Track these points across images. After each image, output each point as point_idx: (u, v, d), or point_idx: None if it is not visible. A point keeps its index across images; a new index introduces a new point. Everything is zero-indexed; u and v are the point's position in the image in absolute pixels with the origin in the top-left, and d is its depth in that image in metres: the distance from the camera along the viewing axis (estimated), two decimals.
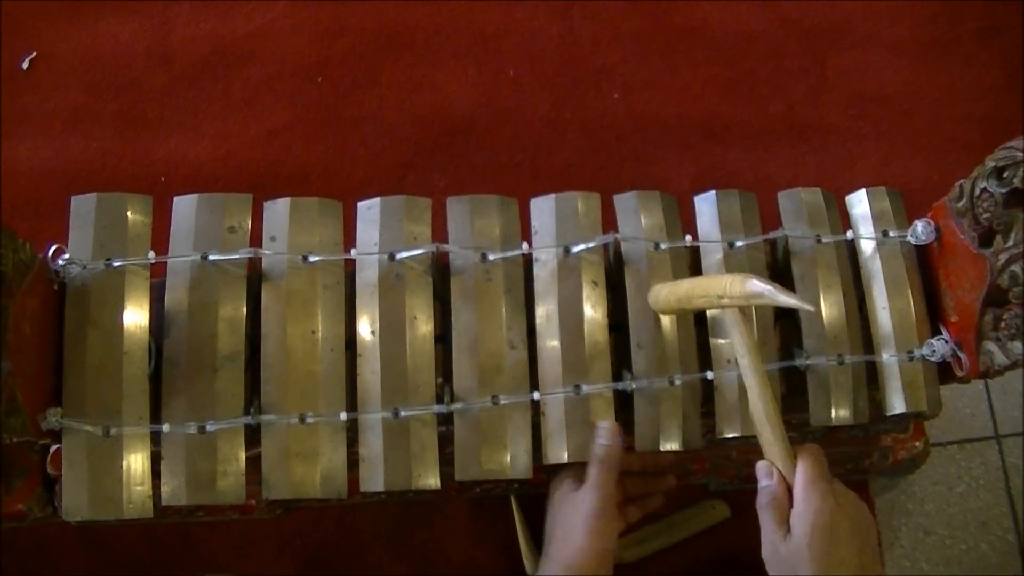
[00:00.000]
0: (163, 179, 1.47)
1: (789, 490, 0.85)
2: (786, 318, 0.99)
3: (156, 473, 0.88)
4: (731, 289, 0.83)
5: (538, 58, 1.58)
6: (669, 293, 0.92)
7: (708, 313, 0.97)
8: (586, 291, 0.95)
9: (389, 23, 1.59)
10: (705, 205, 1.01)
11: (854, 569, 0.80)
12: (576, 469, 0.95)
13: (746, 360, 0.88)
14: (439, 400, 0.92)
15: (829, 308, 0.97)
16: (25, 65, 1.55)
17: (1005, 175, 0.83)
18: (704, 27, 1.62)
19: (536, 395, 0.92)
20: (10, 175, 1.46)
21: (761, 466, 0.88)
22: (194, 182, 1.46)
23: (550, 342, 0.94)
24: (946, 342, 0.95)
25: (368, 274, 0.94)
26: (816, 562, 0.79)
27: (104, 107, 1.53)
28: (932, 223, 0.97)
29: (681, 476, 1.10)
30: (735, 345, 0.89)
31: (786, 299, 0.78)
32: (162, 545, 1.27)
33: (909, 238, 0.98)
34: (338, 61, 1.57)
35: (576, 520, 0.90)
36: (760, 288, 0.79)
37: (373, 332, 0.92)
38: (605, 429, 0.92)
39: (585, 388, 0.92)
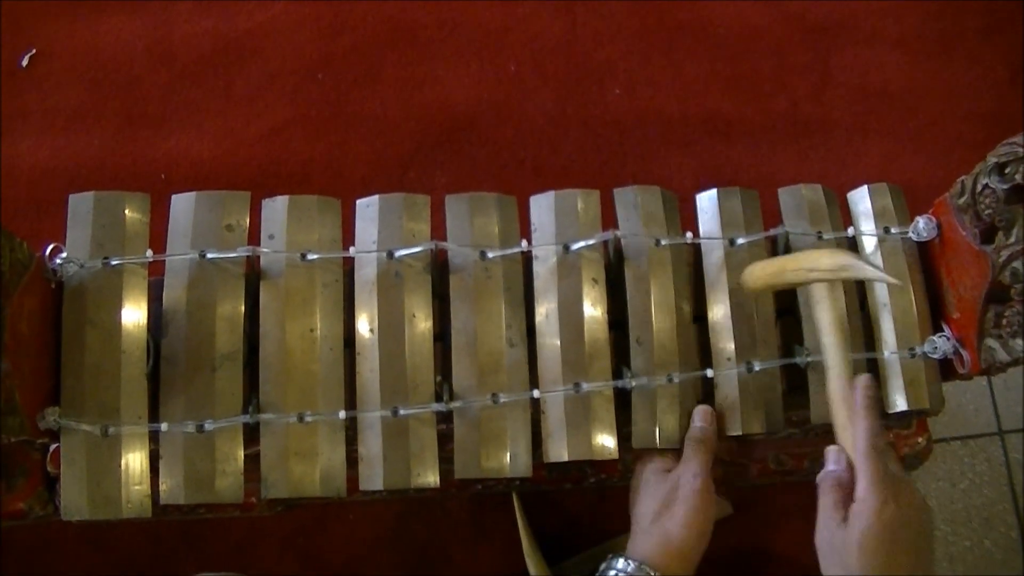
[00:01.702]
0: (164, 177, 1.47)
1: (854, 477, 0.84)
2: (788, 315, 0.99)
3: (155, 472, 0.88)
4: (820, 262, 0.85)
5: (540, 54, 1.58)
6: (762, 269, 0.93)
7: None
8: (586, 288, 0.95)
9: (391, 19, 1.59)
10: (707, 202, 1.01)
11: (906, 571, 0.79)
12: (662, 452, 0.94)
13: (829, 339, 0.88)
14: (438, 398, 0.91)
15: None
16: (25, 63, 1.55)
17: (1007, 171, 0.82)
18: (707, 23, 1.61)
19: (536, 393, 0.92)
20: (11, 173, 1.46)
21: (831, 451, 0.86)
22: (195, 180, 1.46)
23: (550, 340, 0.94)
24: (948, 339, 0.94)
25: (367, 272, 0.94)
26: (866, 562, 0.78)
27: (105, 105, 1.52)
28: (934, 220, 0.96)
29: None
30: (819, 321, 0.89)
31: (870, 271, 0.82)
32: (164, 543, 1.27)
33: (911, 235, 0.98)
34: (339, 58, 1.56)
35: (681, 500, 0.88)
36: (846, 261, 0.83)
37: (372, 330, 0.92)
38: (702, 412, 0.93)
39: (585, 386, 0.92)
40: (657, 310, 0.94)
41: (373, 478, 0.90)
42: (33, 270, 0.86)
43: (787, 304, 0.99)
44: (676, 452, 0.93)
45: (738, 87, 1.57)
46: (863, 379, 0.87)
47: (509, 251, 0.95)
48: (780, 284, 0.92)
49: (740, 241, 0.98)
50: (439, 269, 0.96)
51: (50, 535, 1.26)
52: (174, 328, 0.90)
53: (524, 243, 0.96)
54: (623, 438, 0.93)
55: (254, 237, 0.94)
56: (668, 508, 0.88)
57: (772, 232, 0.98)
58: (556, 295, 0.95)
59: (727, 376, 0.95)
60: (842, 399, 0.87)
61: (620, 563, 0.85)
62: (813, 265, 0.86)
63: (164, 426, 0.88)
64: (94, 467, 0.87)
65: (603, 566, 0.87)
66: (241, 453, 0.89)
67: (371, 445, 0.90)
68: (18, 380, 0.81)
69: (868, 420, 0.85)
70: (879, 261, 0.98)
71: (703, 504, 0.88)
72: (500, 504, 1.25)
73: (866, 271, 0.83)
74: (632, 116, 1.54)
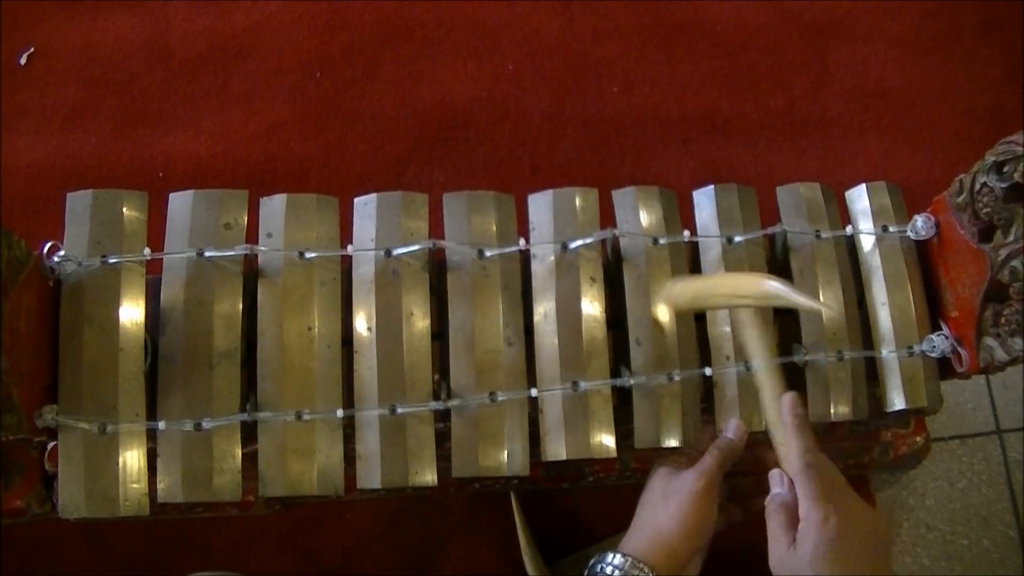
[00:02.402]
0: (161, 175, 1.47)
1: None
2: (785, 314, 0.99)
3: (153, 470, 0.88)
4: (746, 289, 0.85)
5: (538, 52, 1.58)
6: (683, 290, 0.92)
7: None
8: (584, 287, 0.95)
9: (388, 17, 1.59)
10: (704, 200, 1.01)
11: None
12: (686, 454, 0.94)
13: (758, 361, 0.89)
14: (436, 397, 0.91)
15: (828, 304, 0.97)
16: (23, 61, 1.54)
17: (1005, 170, 0.82)
18: (704, 21, 1.61)
19: (534, 392, 0.92)
20: (8, 171, 1.46)
21: (774, 474, 0.88)
22: (192, 177, 1.46)
23: (548, 339, 0.94)
24: (946, 338, 0.95)
25: (365, 270, 0.94)
26: None
27: (102, 103, 1.52)
28: (932, 218, 0.96)
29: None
30: (745, 345, 0.90)
31: (801, 300, 0.81)
32: (162, 541, 1.27)
33: (909, 233, 0.98)
34: (337, 56, 1.56)
35: (677, 494, 0.88)
36: (775, 289, 0.81)
37: (370, 329, 0.92)
38: (735, 426, 0.93)
39: (583, 385, 0.92)
40: (656, 309, 0.94)
41: (371, 476, 0.90)
42: (31, 268, 0.85)
43: None
44: (692, 454, 0.93)
45: (736, 85, 1.57)
46: (787, 398, 0.88)
47: (507, 249, 0.95)
48: (704, 307, 0.93)
49: (738, 239, 0.98)
50: (437, 267, 0.96)
51: (48, 533, 1.26)
52: (172, 326, 0.90)
53: (522, 241, 0.95)
54: (621, 437, 0.93)
55: (252, 235, 0.94)
56: (665, 503, 0.89)
57: (770, 230, 0.98)
58: (554, 294, 0.95)
59: (726, 375, 0.95)
60: (777, 420, 0.88)
61: (610, 556, 0.85)
62: (733, 291, 0.86)
63: (162, 424, 0.87)
64: (92, 465, 0.87)
65: (593, 560, 0.87)
66: (239, 451, 0.88)
67: (369, 443, 0.90)
68: (16, 378, 0.81)
69: (798, 439, 0.86)
70: (877, 260, 0.98)
71: (700, 504, 0.88)
72: (498, 503, 1.25)
73: (795, 299, 0.82)
74: (630, 114, 1.54)
